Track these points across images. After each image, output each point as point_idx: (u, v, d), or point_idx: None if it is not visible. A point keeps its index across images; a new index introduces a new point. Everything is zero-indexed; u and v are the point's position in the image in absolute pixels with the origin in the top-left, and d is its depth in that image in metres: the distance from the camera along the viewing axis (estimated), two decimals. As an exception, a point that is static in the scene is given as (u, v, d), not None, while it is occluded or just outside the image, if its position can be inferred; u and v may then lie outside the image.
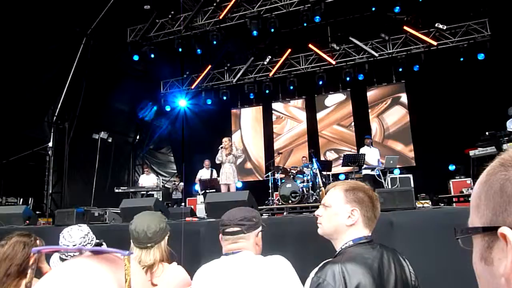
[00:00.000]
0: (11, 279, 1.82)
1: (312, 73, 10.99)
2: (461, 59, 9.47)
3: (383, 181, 7.68)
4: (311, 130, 11.68)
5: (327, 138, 11.57)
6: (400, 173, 8.21)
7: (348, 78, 10.55)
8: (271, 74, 11.23)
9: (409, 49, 10.02)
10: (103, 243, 2.07)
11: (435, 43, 9.63)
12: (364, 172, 8.14)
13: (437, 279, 2.63)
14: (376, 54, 10.22)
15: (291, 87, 11.20)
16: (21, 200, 8.48)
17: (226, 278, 1.51)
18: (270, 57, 11.20)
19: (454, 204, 6.72)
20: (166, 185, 12.06)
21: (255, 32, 9.27)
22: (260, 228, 1.70)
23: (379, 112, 11.11)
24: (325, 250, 1.53)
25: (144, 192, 8.60)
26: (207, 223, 3.89)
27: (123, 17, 9.86)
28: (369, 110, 11.16)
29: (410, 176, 8.07)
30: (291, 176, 8.25)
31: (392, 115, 10.95)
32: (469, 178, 7.10)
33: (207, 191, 7.61)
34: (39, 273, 1.73)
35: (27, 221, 5.21)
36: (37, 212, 7.85)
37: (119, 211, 5.03)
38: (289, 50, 11.05)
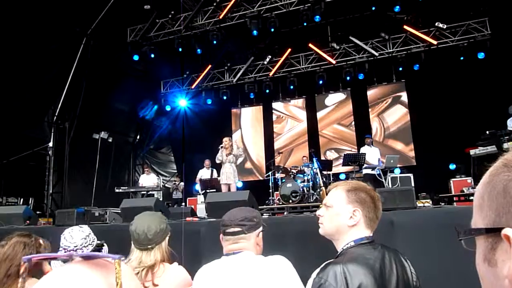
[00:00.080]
0: (12, 279, 1.81)
1: (312, 73, 10.99)
2: (461, 58, 9.46)
3: (383, 180, 7.68)
4: (312, 130, 11.68)
5: (328, 138, 11.56)
6: (401, 173, 8.20)
7: (348, 78, 10.55)
8: (271, 74, 11.23)
9: (409, 48, 10.02)
10: (104, 244, 2.07)
11: (435, 42, 9.62)
12: (365, 171, 8.14)
13: (438, 279, 2.62)
14: (376, 54, 10.21)
15: (291, 87, 11.20)
16: (22, 200, 8.48)
17: (227, 279, 1.51)
18: (270, 56, 11.20)
19: (454, 203, 6.72)
20: (166, 185, 12.06)
21: (255, 32, 9.27)
22: (261, 228, 1.70)
23: (380, 112, 11.11)
24: (326, 250, 1.53)
25: (145, 192, 8.60)
26: (208, 223, 3.89)
27: (123, 17, 9.86)
28: (370, 110, 11.16)
29: (411, 175, 8.06)
30: (292, 175, 8.25)
31: (392, 114, 10.94)
32: (470, 177, 7.09)
33: (208, 191, 7.60)
34: (41, 274, 1.73)
35: (28, 221, 5.21)
36: (38, 212, 7.85)
37: (119, 211, 5.03)
38: (289, 50, 11.05)
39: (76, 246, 1.87)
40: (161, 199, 8.33)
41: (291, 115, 12.15)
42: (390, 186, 7.56)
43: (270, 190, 8.47)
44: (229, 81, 11.71)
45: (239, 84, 11.65)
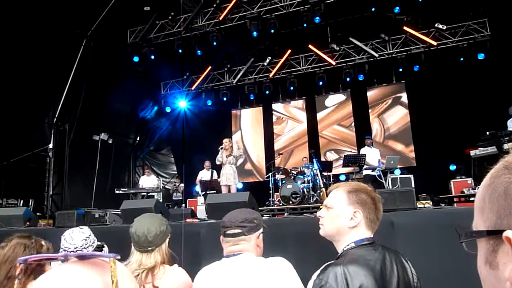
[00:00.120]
0: (12, 281, 1.81)
1: (312, 74, 11.00)
2: (461, 59, 9.47)
3: (383, 181, 7.67)
4: (312, 131, 11.68)
5: (328, 139, 11.56)
6: (401, 174, 8.19)
7: (348, 79, 10.56)
8: (271, 75, 11.23)
9: (409, 49, 10.02)
10: (104, 245, 2.07)
11: (435, 43, 9.63)
12: (365, 172, 8.13)
13: (439, 279, 2.62)
14: (376, 55, 10.22)
15: (291, 88, 11.21)
16: (22, 201, 8.47)
17: (227, 281, 1.51)
18: (270, 58, 11.20)
19: (455, 204, 6.70)
20: (166, 186, 12.05)
21: (255, 33, 9.28)
22: (261, 230, 1.69)
23: (380, 112, 11.11)
24: (326, 251, 1.53)
25: (145, 193, 8.60)
26: (208, 224, 3.89)
27: (123, 18, 9.87)
28: (370, 110, 11.16)
29: (411, 176, 8.05)
30: (292, 177, 8.24)
31: (392, 115, 10.94)
32: (470, 178, 7.08)
33: (208, 192, 7.60)
34: (41, 273, 1.73)
35: (28, 223, 5.20)
36: (38, 214, 7.85)
37: (119, 213, 5.03)
38: (289, 51, 11.05)
39: (76, 248, 1.86)
40: (161, 200, 8.31)
41: (291, 116, 12.15)
42: (390, 187, 7.55)
43: (270, 191, 8.46)
44: (229, 82, 11.71)
45: (239, 85, 11.65)
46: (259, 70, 11.46)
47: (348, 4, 9.17)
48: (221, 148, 7.39)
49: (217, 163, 7.55)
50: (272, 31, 9.37)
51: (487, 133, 5.99)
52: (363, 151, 8.42)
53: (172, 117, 12.88)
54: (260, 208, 5.61)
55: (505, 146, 5.51)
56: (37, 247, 1.94)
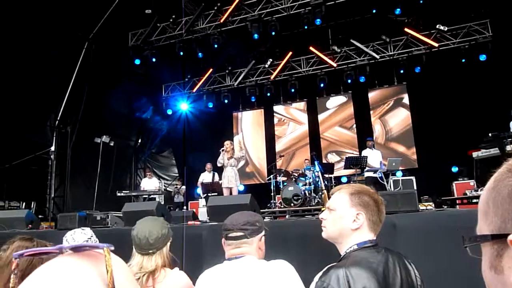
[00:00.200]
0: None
1: (313, 76, 10.99)
2: (463, 60, 9.45)
3: (385, 183, 7.65)
4: (313, 133, 11.67)
5: (329, 141, 11.55)
6: (403, 175, 8.17)
7: (349, 80, 10.55)
8: (272, 77, 11.24)
9: (410, 51, 10.01)
10: (105, 247, 2.06)
11: (436, 44, 9.61)
12: (367, 174, 8.11)
13: (442, 281, 2.60)
14: (377, 56, 10.21)
15: (293, 90, 11.21)
16: (24, 204, 8.50)
17: (229, 284, 1.50)
18: (271, 60, 11.21)
19: (457, 206, 6.68)
20: (168, 189, 12.04)
21: (256, 35, 9.29)
22: (263, 233, 1.69)
23: (381, 114, 11.09)
24: (328, 254, 1.53)
25: (146, 196, 8.60)
26: (209, 227, 3.89)
27: (125, 21, 9.90)
28: (371, 112, 11.15)
29: (413, 178, 8.04)
30: (293, 179, 8.22)
31: (394, 117, 10.93)
32: (473, 180, 7.06)
33: (209, 194, 7.58)
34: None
35: (30, 225, 5.20)
36: (40, 216, 7.84)
37: (121, 215, 5.03)
38: (290, 53, 11.07)
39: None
40: (162, 202, 8.32)
41: (292, 118, 12.15)
42: (392, 189, 7.53)
43: (272, 194, 8.44)
44: (230, 85, 11.72)
45: (240, 87, 11.66)
46: (260, 72, 11.47)
47: (349, 6, 9.18)
48: (222, 150, 7.39)
49: (218, 165, 7.55)
50: (273, 33, 9.38)
51: (490, 134, 5.98)
52: (364, 153, 8.40)
53: (174, 120, 12.89)
54: (261, 210, 5.60)
55: (508, 147, 5.49)
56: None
